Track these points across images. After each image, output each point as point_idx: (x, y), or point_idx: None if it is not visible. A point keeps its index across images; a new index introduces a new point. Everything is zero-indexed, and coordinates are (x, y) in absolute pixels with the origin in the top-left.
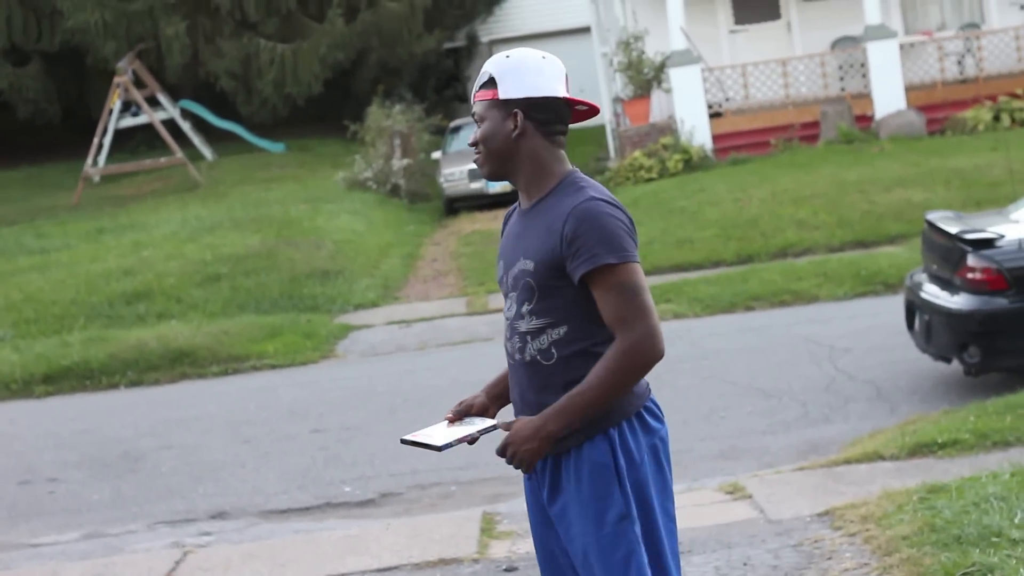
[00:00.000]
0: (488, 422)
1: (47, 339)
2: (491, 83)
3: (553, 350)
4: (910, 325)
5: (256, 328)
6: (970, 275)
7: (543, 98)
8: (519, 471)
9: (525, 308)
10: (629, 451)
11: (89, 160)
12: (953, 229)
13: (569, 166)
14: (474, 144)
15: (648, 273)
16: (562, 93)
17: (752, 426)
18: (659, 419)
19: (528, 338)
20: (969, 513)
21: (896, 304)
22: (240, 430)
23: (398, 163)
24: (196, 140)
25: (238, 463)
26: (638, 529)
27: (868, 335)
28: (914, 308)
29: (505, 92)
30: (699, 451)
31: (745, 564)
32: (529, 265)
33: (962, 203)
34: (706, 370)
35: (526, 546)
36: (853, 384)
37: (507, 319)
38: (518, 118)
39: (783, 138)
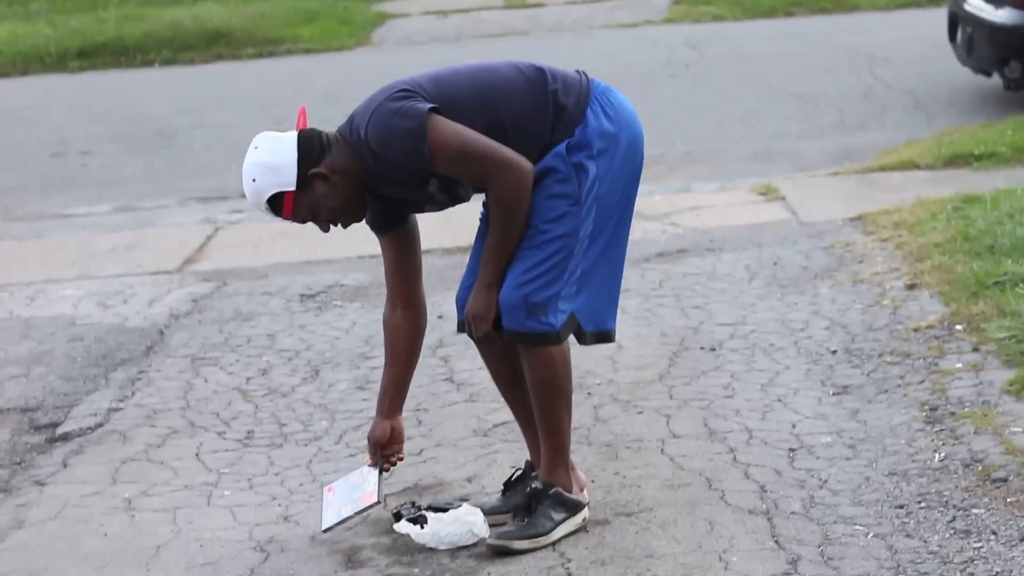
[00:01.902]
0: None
1: (82, 14)
2: (276, 200)
3: None
4: (952, 37)
5: (293, 12)
6: None
7: (302, 151)
8: None
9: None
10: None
11: None
12: None
13: (341, 134)
14: (329, 224)
15: None
16: (293, 135)
17: (787, 130)
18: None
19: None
20: (1003, 224)
21: (938, 16)
22: (273, 112)
23: None
24: None
25: None
26: (587, 219)
27: (908, 46)
28: (957, 20)
29: (289, 185)
30: (733, 152)
31: (775, 264)
32: (435, 183)
33: None
34: (743, 73)
35: None
36: (891, 93)
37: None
38: (316, 178)
39: None
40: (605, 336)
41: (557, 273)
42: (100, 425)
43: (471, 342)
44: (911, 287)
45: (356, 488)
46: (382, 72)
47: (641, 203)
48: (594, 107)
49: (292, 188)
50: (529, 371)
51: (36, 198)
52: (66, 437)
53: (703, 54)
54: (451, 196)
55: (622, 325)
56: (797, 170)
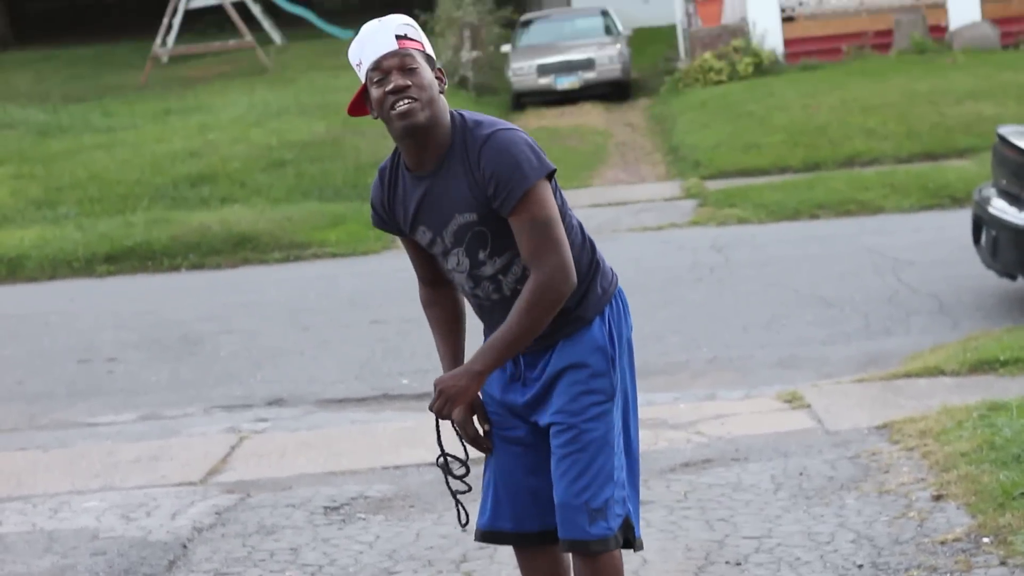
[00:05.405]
0: None
1: (111, 219)
2: (407, 37)
3: (527, 273)
4: (976, 240)
5: (319, 216)
6: None
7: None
8: None
9: (483, 255)
10: (614, 335)
11: (158, 40)
12: None
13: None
14: (402, 89)
15: (713, 177)
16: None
17: (812, 335)
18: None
19: (500, 276)
20: None
21: (963, 218)
22: (300, 318)
23: (467, 55)
24: (266, 24)
25: (297, 351)
26: (618, 413)
27: (933, 248)
28: (981, 223)
29: (428, 49)
30: (758, 358)
31: (801, 474)
32: (472, 217)
33: None
34: (768, 277)
35: None
36: (916, 297)
37: (461, 273)
38: (443, 77)
39: (855, 45)
40: (640, 543)
41: (608, 475)
42: None
43: (495, 555)
44: (937, 498)
45: None
46: (408, 276)
47: (666, 411)
48: (615, 302)
49: (426, 51)
50: None
51: (62, 406)
52: None
53: (728, 257)
54: (468, 262)
55: (647, 537)
56: (822, 376)
